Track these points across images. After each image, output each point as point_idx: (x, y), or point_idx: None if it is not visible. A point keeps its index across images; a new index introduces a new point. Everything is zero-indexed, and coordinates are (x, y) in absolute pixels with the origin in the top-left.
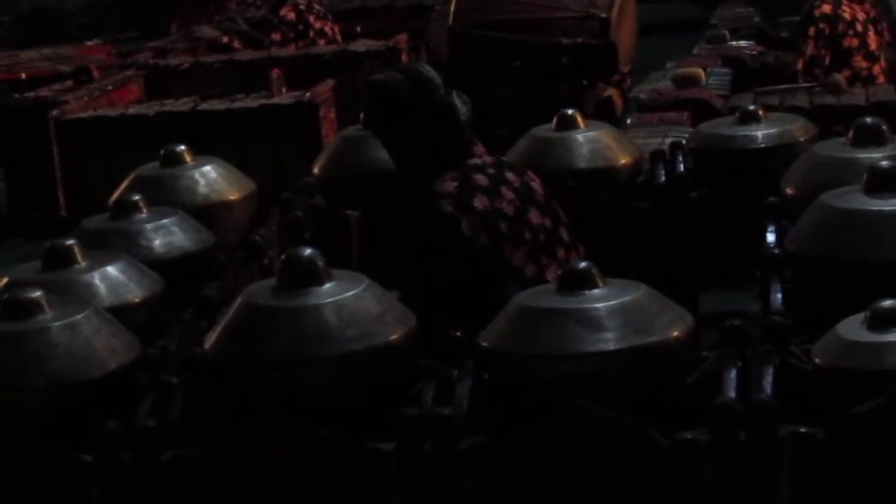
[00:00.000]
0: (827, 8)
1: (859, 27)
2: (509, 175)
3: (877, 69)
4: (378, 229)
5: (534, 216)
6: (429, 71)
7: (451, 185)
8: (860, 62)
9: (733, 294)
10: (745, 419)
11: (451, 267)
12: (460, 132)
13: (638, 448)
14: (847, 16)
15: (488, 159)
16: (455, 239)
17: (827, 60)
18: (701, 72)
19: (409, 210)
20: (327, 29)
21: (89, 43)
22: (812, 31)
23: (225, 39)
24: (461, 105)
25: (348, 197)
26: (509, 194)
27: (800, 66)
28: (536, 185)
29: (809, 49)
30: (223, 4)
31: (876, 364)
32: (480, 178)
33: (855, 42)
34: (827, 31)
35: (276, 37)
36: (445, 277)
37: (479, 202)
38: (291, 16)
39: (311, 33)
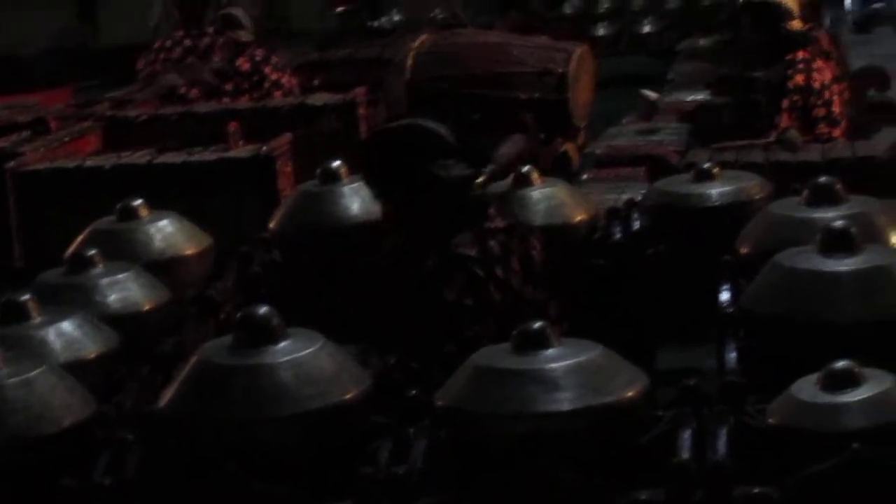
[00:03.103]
0: (800, 78)
1: (827, 94)
2: (515, 244)
3: (837, 132)
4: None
5: (529, 290)
6: (436, 128)
7: (472, 249)
8: (823, 129)
9: (690, 351)
10: (700, 479)
11: (473, 324)
12: (469, 193)
13: None
14: (817, 85)
15: (500, 224)
16: (482, 302)
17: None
18: None
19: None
20: (284, 80)
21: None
22: (787, 103)
23: (182, 89)
24: (468, 164)
25: (306, 252)
26: (516, 265)
27: (772, 137)
28: (537, 253)
29: (783, 122)
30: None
31: (830, 425)
32: (494, 246)
33: (822, 111)
34: (800, 104)
35: (228, 87)
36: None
37: (500, 271)
38: (247, 66)
39: (267, 84)
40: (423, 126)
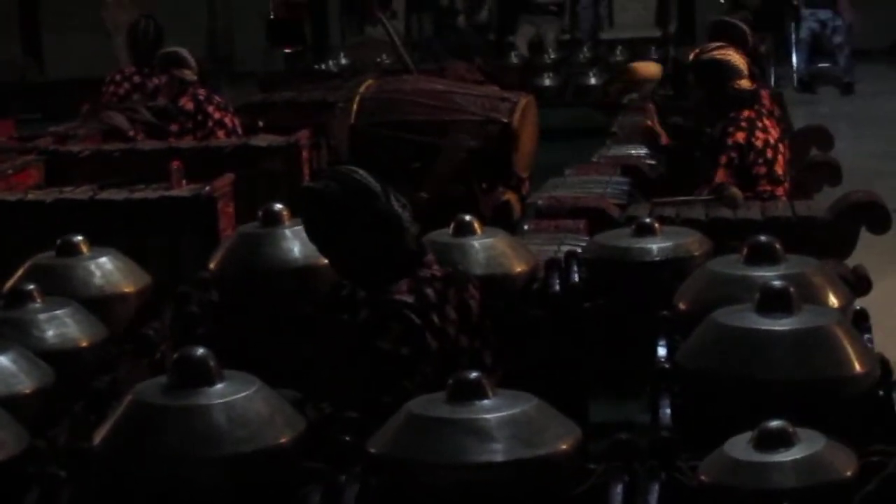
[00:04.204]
0: (741, 136)
1: (769, 153)
2: (452, 292)
3: (780, 191)
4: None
5: (464, 339)
6: (366, 178)
7: (409, 297)
8: (765, 186)
9: (624, 404)
10: None
11: (410, 373)
12: (403, 240)
13: None
14: (759, 143)
15: (437, 271)
16: (418, 350)
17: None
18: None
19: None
20: (227, 120)
21: None
22: (724, 159)
23: (131, 133)
24: (401, 210)
25: (244, 294)
26: (452, 314)
27: (707, 192)
28: (475, 303)
29: (719, 177)
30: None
31: (762, 483)
32: (431, 294)
33: (763, 170)
34: (737, 161)
35: (174, 127)
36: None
37: (436, 319)
38: (190, 106)
39: (210, 123)
40: (350, 175)
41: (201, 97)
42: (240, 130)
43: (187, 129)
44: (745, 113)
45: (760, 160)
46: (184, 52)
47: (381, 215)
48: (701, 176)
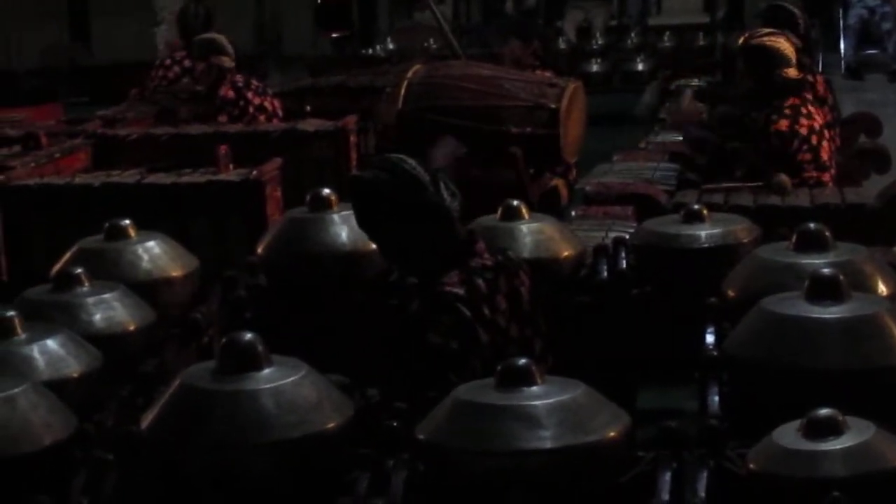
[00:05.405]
0: (784, 124)
1: (814, 140)
2: (502, 281)
3: (826, 177)
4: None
5: (514, 328)
6: (415, 168)
7: (461, 289)
8: (811, 172)
9: (672, 391)
10: None
11: (459, 367)
12: (453, 230)
13: None
14: (804, 130)
15: (488, 260)
16: (468, 344)
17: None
18: None
19: (413, 305)
20: (267, 104)
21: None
22: (767, 147)
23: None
24: (450, 199)
25: (292, 278)
26: (503, 303)
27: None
28: (525, 290)
29: (762, 164)
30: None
31: (810, 472)
32: (482, 285)
33: (808, 156)
34: (780, 149)
35: (222, 118)
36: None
37: (487, 310)
38: (231, 94)
39: (251, 109)
40: (400, 164)
41: (240, 84)
42: (280, 113)
43: (234, 117)
44: (790, 100)
45: (805, 147)
46: (221, 38)
47: (430, 206)
48: (743, 164)
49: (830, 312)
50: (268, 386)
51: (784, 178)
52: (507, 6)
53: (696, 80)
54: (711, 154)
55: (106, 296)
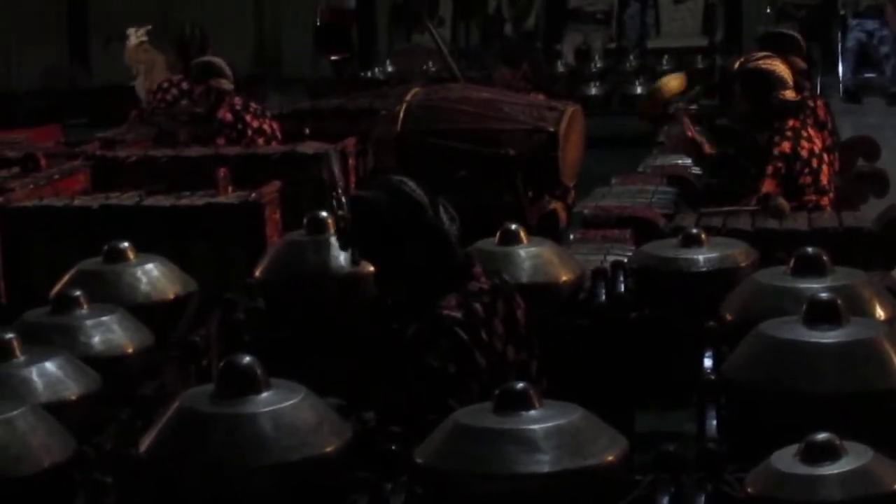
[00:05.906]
0: (787, 146)
1: (815, 163)
2: (500, 305)
3: (825, 201)
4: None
5: (511, 352)
6: (415, 191)
7: (458, 312)
8: (810, 196)
9: (670, 415)
10: None
11: (456, 390)
12: (451, 254)
13: None
14: (805, 153)
15: (485, 284)
16: (466, 368)
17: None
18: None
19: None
20: (265, 126)
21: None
22: (770, 169)
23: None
24: (449, 223)
25: (290, 301)
26: (500, 327)
27: (753, 202)
28: (521, 313)
29: (765, 187)
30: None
31: (808, 496)
32: (479, 309)
33: (808, 180)
34: (783, 171)
35: (220, 141)
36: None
37: (484, 334)
38: (229, 117)
39: (250, 132)
40: (400, 186)
41: (238, 106)
42: (279, 135)
43: (231, 139)
44: (790, 122)
45: (806, 170)
46: (219, 61)
47: (429, 229)
48: (747, 185)
49: (828, 337)
50: (266, 409)
51: (782, 201)
52: (506, 29)
53: (695, 104)
54: (712, 160)
55: (105, 318)
